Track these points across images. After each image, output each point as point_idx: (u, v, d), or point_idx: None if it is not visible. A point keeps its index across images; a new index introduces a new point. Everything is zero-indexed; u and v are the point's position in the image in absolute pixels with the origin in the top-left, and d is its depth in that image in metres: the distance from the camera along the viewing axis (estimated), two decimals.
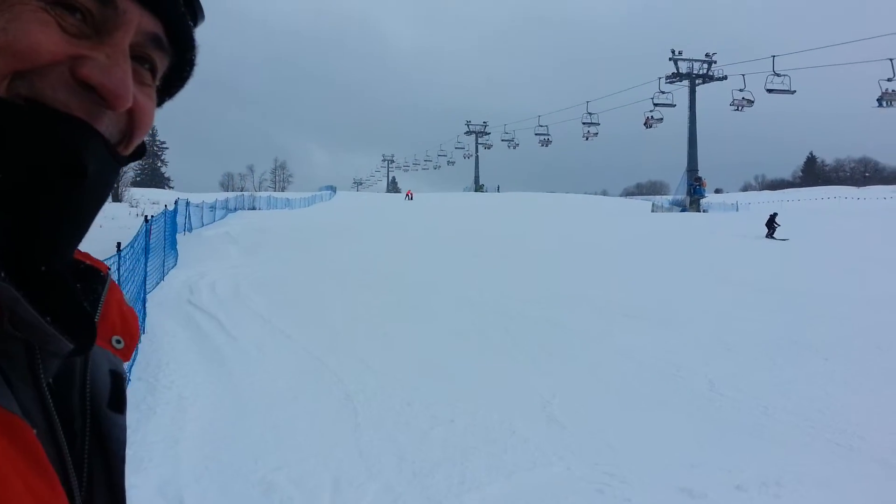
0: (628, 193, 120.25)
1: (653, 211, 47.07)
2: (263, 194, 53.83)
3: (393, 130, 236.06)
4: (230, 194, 47.54)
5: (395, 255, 16.71)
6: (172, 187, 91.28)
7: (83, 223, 0.50)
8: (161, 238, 12.22)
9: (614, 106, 55.08)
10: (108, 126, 0.50)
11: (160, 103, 0.59)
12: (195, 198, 29.47)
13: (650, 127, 52.18)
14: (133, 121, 0.53)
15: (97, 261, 0.61)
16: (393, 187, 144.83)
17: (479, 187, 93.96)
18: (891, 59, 35.77)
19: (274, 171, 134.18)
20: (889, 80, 36.21)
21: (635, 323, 9.15)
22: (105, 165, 0.50)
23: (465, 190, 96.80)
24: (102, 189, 0.51)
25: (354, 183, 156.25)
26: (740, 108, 47.42)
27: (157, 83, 0.57)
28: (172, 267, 13.00)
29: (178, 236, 17.45)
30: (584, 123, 56.52)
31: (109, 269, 0.62)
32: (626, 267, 14.91)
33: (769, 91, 44.27)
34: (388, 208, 42.50)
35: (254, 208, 41.53)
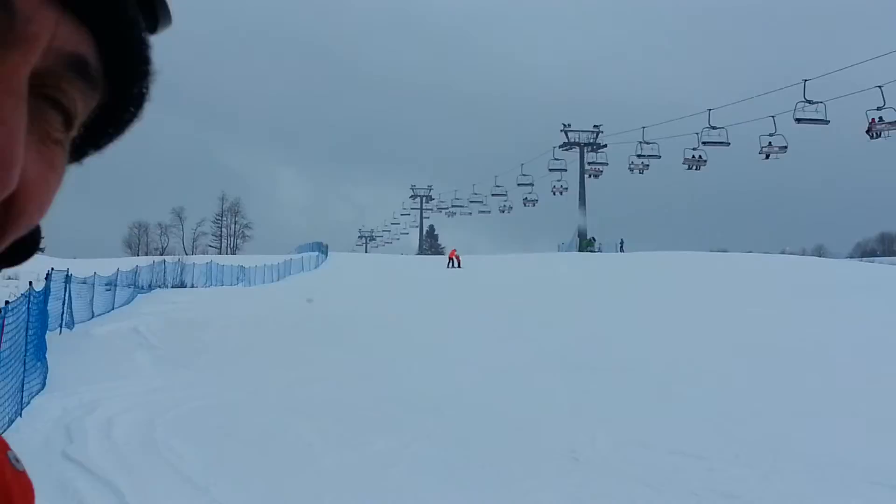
0: (865, 252, 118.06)
1: None
2: (200, 260, 55.12)
3: (429, 147, 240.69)
4: (141, 260, 48.84)
5: (428, 365, 16.75)
6: (42, 249, 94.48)
7: None
8: (19, 341, 12.55)
9: (833, 95, 57.11)
10: None
11: (79, 157, 0.59)
12: (82, 267, 30.39)
13: (877, 136, 55.19)
14: (14, 206, 0.51)
15: None
16: (429, 242, 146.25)
17: (587, 243, 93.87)
18: None
19: (220, 219, 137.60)
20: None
21: None
22: None
23: (560, 248, 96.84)
24: None
25: (361, 237, 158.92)
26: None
27: (75, 132, 0.56)
28: (38, 392, 13.27)
29: (50, 336, 17.89)
30: (797, 119, 57.84)
31: None
32: None
33: None
34: (413, 288, 42.79)
35: (182, 285, 42.53)
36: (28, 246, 0.56)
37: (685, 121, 73.27)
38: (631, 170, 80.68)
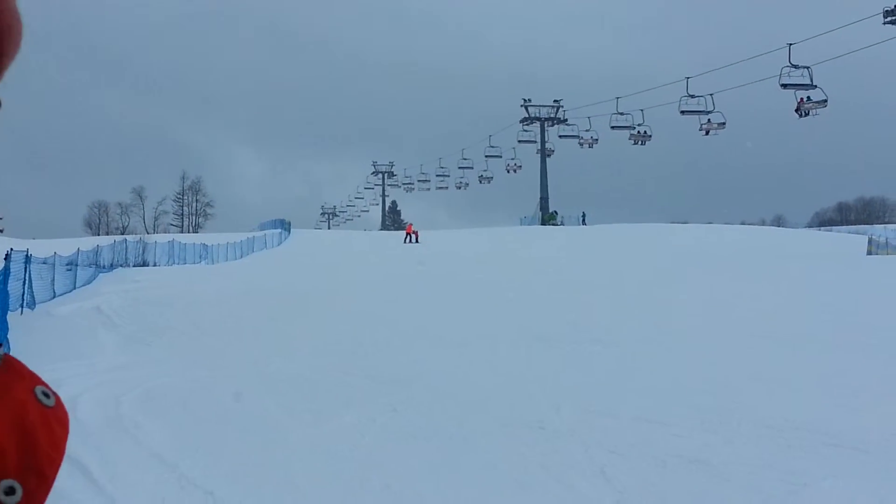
0: (822, 222, 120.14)
1: (870, 252, 46.59)
2: (162, 238, 54.76)
3: (390, 124, 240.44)
4: (102, 240, 48.39)
5: (395, 344, 16.79)
6: (1, 230, 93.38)
7: None
8: None
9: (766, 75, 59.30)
10: None
11: None
12: (42, 247, 30.09)
13: (805, 115, 56.55)
14: None
15: None
16: (392, 218, 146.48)
17: (549, 216, 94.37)
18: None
19: (181, 197, 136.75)
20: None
21: None
22: None
23: (522, 222, 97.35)
24: None
25: (323, 213, 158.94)
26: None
27: None
28: None
29: (11, 317, 17.75)
30: (783, 84, 57.81)
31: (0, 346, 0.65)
32: None
33: None
34: (375, 264, 42.79)
35: (144, 264, 42.27)
36: None
37: (653, 93, 74.29)
38: (581, 145, 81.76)
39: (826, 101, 55.99)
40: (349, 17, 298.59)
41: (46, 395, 0.65)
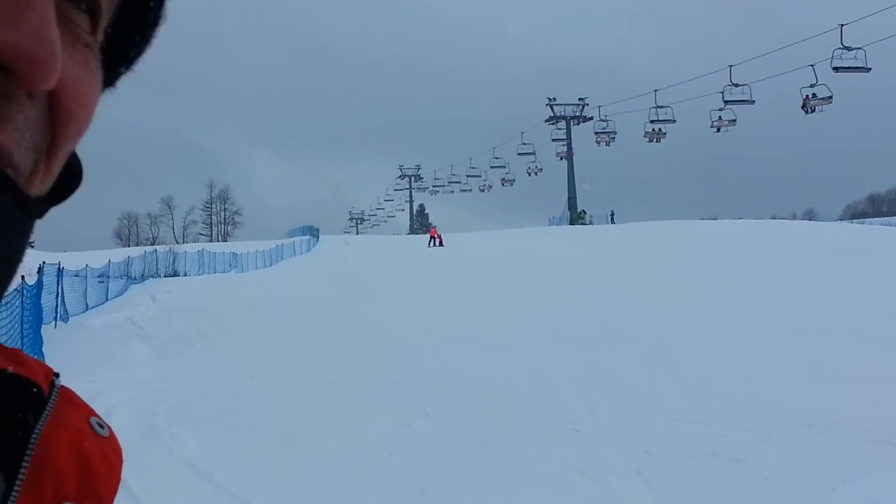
0: (854, 214, 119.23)
1: None
2: (191, 248, 55.09)
3: (416, 127, 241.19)
4: (133, 251, 48.80)
5: (430, 341, 16.81)
6: (33, 244, 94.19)
7: None
8: (14, 335, 12.53)
9: (774, 72, 59.31)
10: (15, 138, 0.48)
11: (112, 79, 0.59)
12: (73, 260, 30.38)
13: (811, 111, 59.22)
14: (61, 108, 0.50)
15: (35, 364, 0.64)
16: (420, 221, 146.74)
17: (578, 216, 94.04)
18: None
19: (209, 206, 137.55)
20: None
21: None
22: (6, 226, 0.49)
23: (551, 222, 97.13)
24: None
25: (351, 219, 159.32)
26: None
27: (101, 37, 0.55)
28: None
29: (45, 330, 17.89)
30: (835, 67, 57.04)
31: (57, 376, 0.67)
32: None
33: None
34: (404, 268, 42.82)
35: (175, 274, 42.51)
36: (73, 173, 0.56)
37: (681, 87, 74.91)
38: (598, 143, 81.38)
39: (831, 97, 56.31)
40: (370, 20, 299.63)
41: (101, 426, 0.68)
